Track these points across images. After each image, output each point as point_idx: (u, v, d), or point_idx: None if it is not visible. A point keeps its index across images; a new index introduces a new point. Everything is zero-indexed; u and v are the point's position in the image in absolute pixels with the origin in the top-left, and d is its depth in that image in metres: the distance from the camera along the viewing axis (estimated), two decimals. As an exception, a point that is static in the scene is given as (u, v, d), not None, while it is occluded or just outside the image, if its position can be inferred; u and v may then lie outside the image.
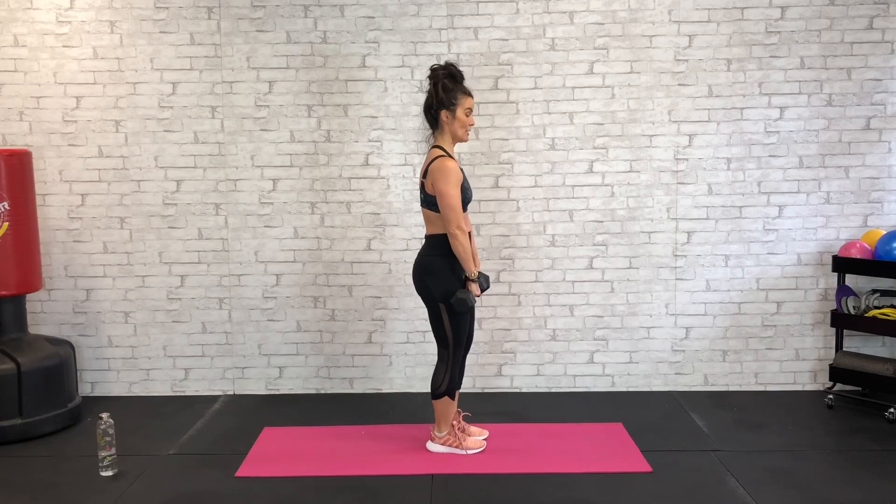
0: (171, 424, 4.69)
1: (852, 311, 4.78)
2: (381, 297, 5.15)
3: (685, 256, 5.10)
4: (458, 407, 4.27)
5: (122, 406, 4.98)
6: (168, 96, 5.04)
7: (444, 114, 4.00)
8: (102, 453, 3.98)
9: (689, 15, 4.96)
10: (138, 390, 5.21)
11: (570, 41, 4.99)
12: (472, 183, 4.70)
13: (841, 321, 4.82)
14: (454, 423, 4.20)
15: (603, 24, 4.98)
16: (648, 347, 5.15)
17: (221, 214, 5.11)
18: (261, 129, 5.07)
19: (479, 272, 4.06)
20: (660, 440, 4.34)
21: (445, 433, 4.19)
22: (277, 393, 5.21)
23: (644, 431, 4.45)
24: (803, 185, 5.05)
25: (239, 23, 5.00)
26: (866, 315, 4.71)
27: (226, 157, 5.08)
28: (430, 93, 4.02)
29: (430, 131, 4.11)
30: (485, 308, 5.09)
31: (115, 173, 5.08)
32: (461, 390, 4.36)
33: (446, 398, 4.13)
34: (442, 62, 4.08)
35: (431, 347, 4.88)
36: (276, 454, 4.21)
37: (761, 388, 5.15)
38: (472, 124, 4.08)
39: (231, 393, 5.22)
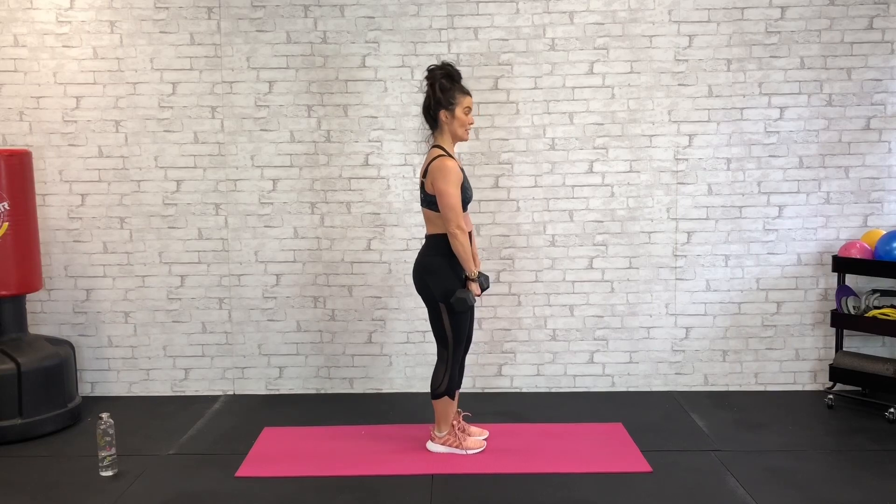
0: (171, 424, 4.69)
1: (852, 311, 4.78)
2: (381, 297, 5.15)
3: (685, 256, 5.10)
4: (458, 407, 4.27)
5: (122, 406, 4.98)
6: (168, 96, 5.04)
7: (443, 114, 4.01)
8: (102, 453, 3.98)
9: (689, 15, 4.97)
10: (138, 390, 5.21)
11: (570, 41, 5.00)
12: (472, 183, 4.70)
13: (841, 321, 4.82)
14: (454, 423, 4.20)
15: (603, 24, 4.98)
16: (648, 347, 5.15)
17: (221, 214, 5.11)
18: (261, 129, 5.07)
19: (479, 272, 4.06)
20: (660, 440, 4.34)
21: (445, 433, 4.19)
22: (277, 393, 5.21)
23: (644, 431, 4.45)
24: (803, 185, 5.05)
25: (239, 23, 5.00)
26: (866, 315, 4.71)
27: (226, 157, 5.08)
28: (427, 93, 4.03)
29: (430, 131, 4.11)
30: (485, 308, 5.09)
31: (115, 173, 5.09)
32: (461, 390, 4.36)
33: (446, 398, 4.13)
34: (439, 62, 4.09)
35: (431, 347, 4.88)
36: (276, 454, 4.21)
37: (761, 388, 5.15)
38: (472, 123, 4.08)
39: (231, 393, 5.22)
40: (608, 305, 5.13)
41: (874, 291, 4.81)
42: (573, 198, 5.07)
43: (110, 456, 3.99)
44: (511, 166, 5.07)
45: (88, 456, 4.16)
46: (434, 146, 4.06)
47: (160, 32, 5.00)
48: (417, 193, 4.64)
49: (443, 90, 3.98)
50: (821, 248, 5.07)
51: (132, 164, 5.08)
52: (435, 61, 4.14)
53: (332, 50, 5.02)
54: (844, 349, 4.95)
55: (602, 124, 5.03)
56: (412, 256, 4.87)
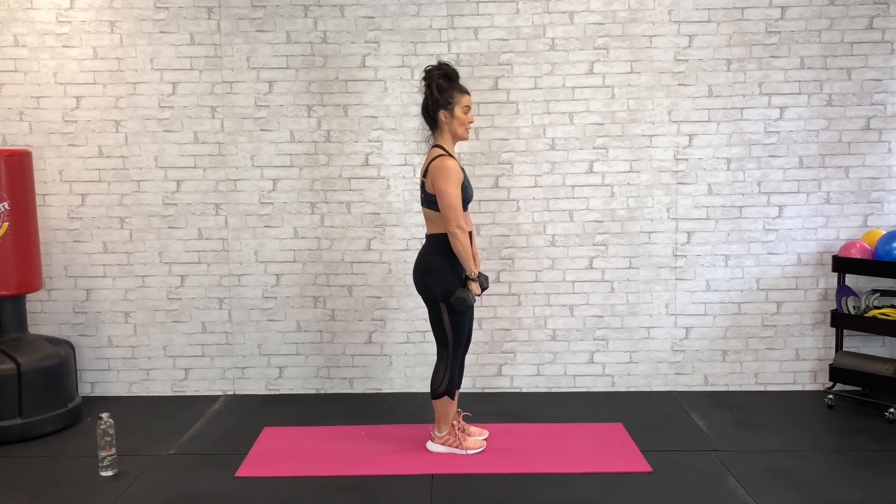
0: (171, 424, 4.69)
1: (852, 311, 4.78)
2: (381, 297, 5.15)
3: (685, 256, 5.10)
4: (458, 407, 4.27)
5: (122, 406, 4.98)
6: (168, 96, 5.04)
7: (442, 114, 4.01)
8: (102, 453, 3.98)
9: (689, 15, 4.97)
10: (138, 390, 5.21)
11: (570, 41, 5.00)
12: (473, 183, 4.69)
13: (841, 321, 4.82)
14: (454, 423, 4.20)
15: (603, 24, 4.98)
16: (648, 347, 5.15)
17: (221, 214, 5.11)
18: (261, 129, 5.07)
19: (479, 272, 4.06)
20: (660, 440, 4.34)
21: (445, 433, 4.19)
22: (277, 393, 5.21)
23: (644, 431, 4.45)
24: (803, 185, 5.05)
25: (239, 23, 5.00)
26: (866, 315, 4.71)
27: (226, 157, 5.08)
28: (425, 94, 4.03)
29: (430, 132, 4.11)
30: (485, 308, 5.09)
31: (115, 173, 5.09)
32: (461, 390, 4.36)
33: (446, 398, 4.13)
34: (436, 62, 4.09)
35: (431, 347, 4.88)
36: (276, 454, 4.21)
37: (761, 388, 5.15)
38: (472, 122, 4.09)
39: (231, 393, 5.22)
40: (608, 305, 5.13)
41: (874, 291, 4.81)
42: (573, 198, 5.07)
43: (110, 456, 3.99)
44: (511, 166, 5.07)
45: (88, 456, 4.16)
46: (434, 146, 4.06)
47: (160, 32, 5.01)
48: (417, 193, 4.64)
49: (440, 90, 3.98)
50: (821, 248, 5.08)
51: (132, 164, 5.08)
52: (435, 61, 4.14)
53: (332, 50, 5.02)
54: (844, 349, 4.95)
55: (602, 124, 5.03)
56: (412, 256, 4.87)
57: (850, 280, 4.97)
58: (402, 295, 5.13)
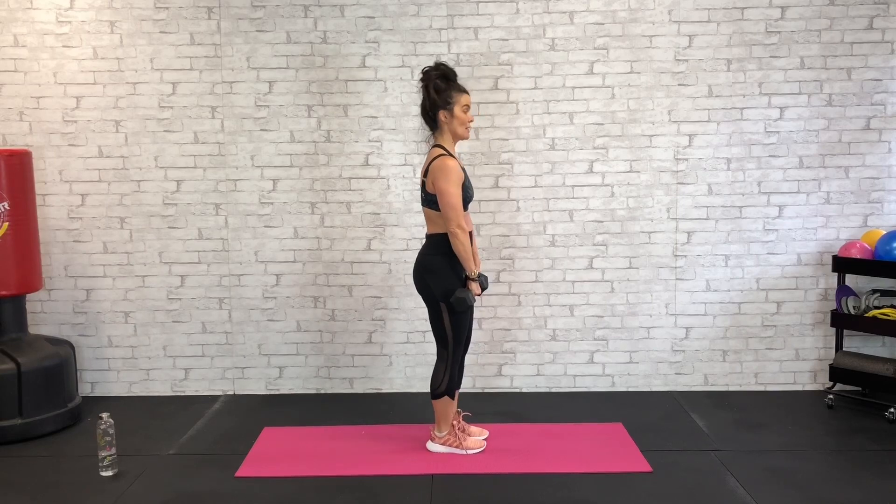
0: (171, 424, 4.69)
1: (852, 311, 4.78)
2: (381, 297, 5.15)
3: (685, 256, 5.10)
4: (458, 407, 4.27)
5: (122, 406, 4.98)
6: (168, 96, 5.04)
7: (442, 114, 4.01)
8: (102, 453, 3.98)
9: (689, 15, 4.97)
10: (138, 390, 5.21)
11: (570, 41, 5.00)
12: (473, 183, 4.69)
13: (841, 321, 4.82)
14: (454, 422, 4.20)
15: (603, 24, 4.98)
16: (648, 347, 5.15)
17: (221, 214, 5.11)
18: (261, 129, 5.07)
19: (479, 272, 4.06)
20: (660, 440, 4.34)
21: (445, 433, 4.19)
22: (277, 393, 5.21)
23: (644, 431, 4.44)
24: (803, 185, 5.05)
25: (239, 23, 5.00)
26: (866, 315, 4.71)
27: (226, 157, 5.08)
28: (424, 96, 4.02)
29: (430, 132, 4.11)
30: (485, 308, 5.09)
31: (115, 173, 5.09)
32: (461, 390, 4.36)
33: (446, 398, 4.13)
34: (434, 63, 4.09)
35: (431, 347, 4.88)
36: (276, 454, 4.21)
37: (761, 388, 5.15)
38: (472, 121, 4.09)
39: (231, 393, 5.22)
40: (608, 305, 5.13)
41: (874, 291, 4.81)
42: (573, 198, 5.07)
43: (110, 456, 3.99)
44: (511, 166, 5.07)
45: (88, 456, 4.16)
46: (435, 146, 4.06)
47: (160, 32, 5.01)
48: (417, 193, 4.65)
49: (438, 91, 3.98)
50: (821, 248, 5.08)
51: (132, 164, 5.08)
52: (435, 61, 4.14)
53: (332, 50, 5.02)
54: (844, 349, 4.95)
55: (602, 124, 5.03)
56: (412, 256, 4.87)
57: (850, 280, 4.97)
58: (402, 295, 5.13)
